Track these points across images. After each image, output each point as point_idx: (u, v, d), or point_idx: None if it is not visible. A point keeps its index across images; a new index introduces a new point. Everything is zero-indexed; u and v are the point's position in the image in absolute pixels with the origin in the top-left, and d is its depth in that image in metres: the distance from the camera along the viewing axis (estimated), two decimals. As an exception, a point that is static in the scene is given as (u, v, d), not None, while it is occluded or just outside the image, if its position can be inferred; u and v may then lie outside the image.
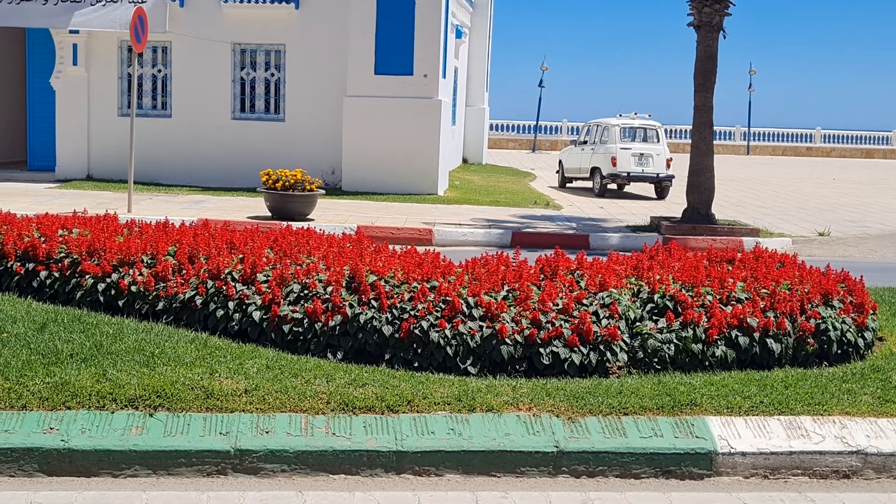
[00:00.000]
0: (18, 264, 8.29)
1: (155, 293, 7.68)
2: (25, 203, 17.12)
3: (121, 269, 7.95)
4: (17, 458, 5.60)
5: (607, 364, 7.01)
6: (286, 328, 7.14)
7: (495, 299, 7.23)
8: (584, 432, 6.04)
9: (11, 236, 8.51)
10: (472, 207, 20.05)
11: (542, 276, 8.05)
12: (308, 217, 16.87)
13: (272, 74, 22.40)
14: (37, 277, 8.19)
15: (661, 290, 7.72)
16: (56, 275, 8.13)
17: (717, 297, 7.65)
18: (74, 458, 5.63)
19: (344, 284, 7.38)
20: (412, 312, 7.04)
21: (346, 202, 19.72)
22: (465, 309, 7.10)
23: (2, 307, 7.59)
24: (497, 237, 16.00)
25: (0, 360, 6.35)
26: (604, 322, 7.18)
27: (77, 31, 21.95)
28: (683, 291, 7.70)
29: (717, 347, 7.16)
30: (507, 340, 6.90)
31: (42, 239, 8.47)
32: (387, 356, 6.98)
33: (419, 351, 6.93)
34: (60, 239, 8.48)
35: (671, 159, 25.13)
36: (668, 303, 7.57)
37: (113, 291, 7.82)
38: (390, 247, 8.90)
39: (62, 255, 8.24)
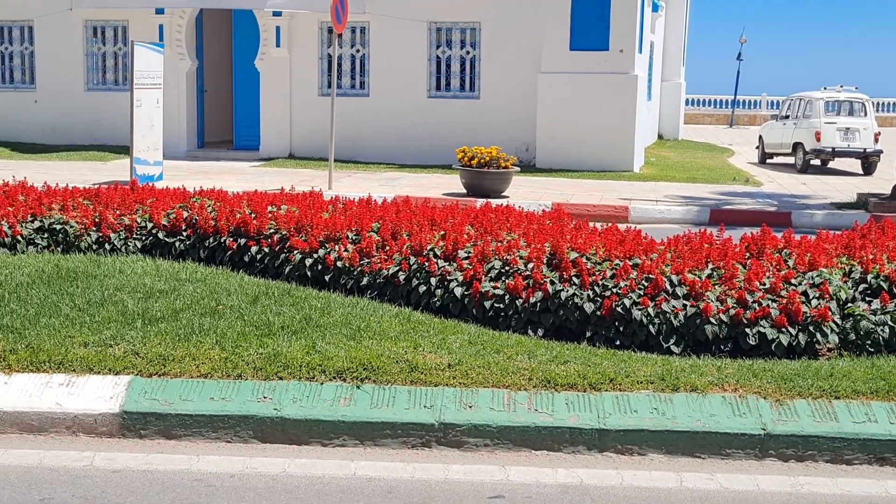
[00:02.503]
0: (231, 240, 8.64)
1: (360, 269, 7.87)
2: (232, 181, 17.81)
3: (327, 245, 8.18)
4: (234, 425, 5.85)
5: (816, 346, 6.78)
6: (487, 304, 7.20)
7: (700, 277, 7.10)
8: (792, 415, 5.86)
9: (224, 213, 8.87)
10: (668, 184, 19.72)
11: (747, 254, 7.84)
12: (503, 194, 16.94)
13: (467, 52, 22.55)
14: (248, 252, 8.52)
15: (874, 270, 7.41)
16: (266, 250, 8.44)
17: (936, 277, 7.29)
18: (286, 427, 5.83)
19: (545, 261, 7.38)
20: (614, 290, 6.99)
21: (540, 179, 19.71)
22: (669, 287, 6.99)
23: (217, 280, 7.93)
24: (695, 214, 15.69)
25: (217, 331, 6.64)
26: (813, 302, 6.94)
27: (280, 13, 22.64)
28: (899, 271, 7.37)
29: (936, 330, 6.83)
30: (712, 320, 6.76)
31: (253, 215, 8.79)
32: (588, 333, 6.96)
33: (621, 329, 6.87)
34: (270, 215, 8.79)
35: (879, 133, 24.06)
36: (882, 283, 7.26)
37: (320, 266, 8.06)
38: (589, 224, 8.85)
39: (272, 231, 8.54)
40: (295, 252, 8.20)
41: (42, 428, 5.87)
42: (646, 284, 7.02)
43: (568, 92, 21.31)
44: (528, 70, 21.90)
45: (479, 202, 11.44)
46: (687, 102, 46.77)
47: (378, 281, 7.77)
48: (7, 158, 21.41)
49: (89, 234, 8.98)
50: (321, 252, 8.10)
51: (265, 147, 23.15)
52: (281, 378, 6.10)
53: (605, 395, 6.00)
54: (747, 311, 6.79)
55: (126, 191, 9.96)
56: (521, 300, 7.12)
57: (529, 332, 7.03)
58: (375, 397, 5.97)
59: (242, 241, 8.59)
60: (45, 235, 8.98)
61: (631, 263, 7.27)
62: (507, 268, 7.43)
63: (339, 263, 7.96)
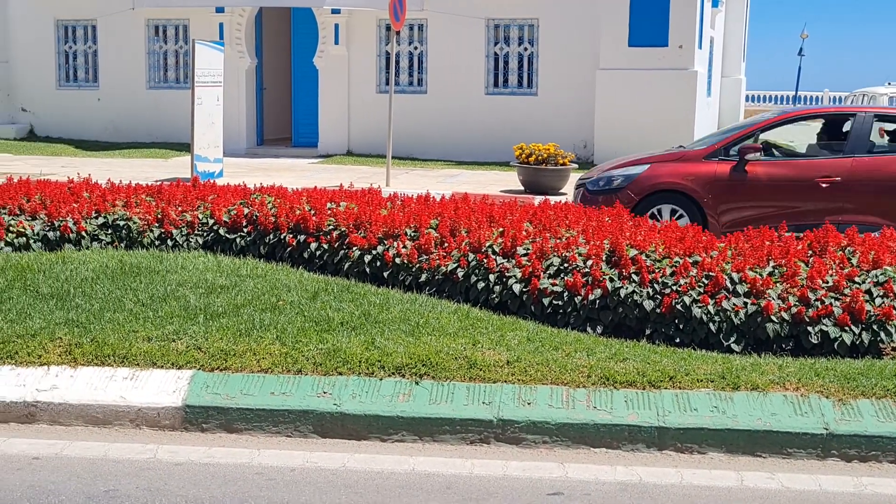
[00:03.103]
0: (291, 236, 8.71)
1: (418, 265, 7.90)
2: (291, 177, 17.94)
3: (386, 242, 8.21)
4: (294, 420, 5.90)
5: (880, 345, 6.68)
6: (546, 301, 7.19)
7: (761, 275, 7.03)
8: (855, 415, 5.79)
9: (284, 209, 8.94)
10: (727, 181, 19.49)
11: (809, 252, 7.75)
12: (560, 191, 16.90)
13: (525, 49, 22.51)
14: (307, 249, 8.58)
15: (940, 268, 7.28)
16: (325, 246, 8.50)
17: None
18: (346, 422, 5.87)
19: (604, 258, 7.36)
20: (674, 287, 6.95)
21: (598, 176, 19.60)
22: (729, 284, 6.93)
23: (277, 276, 8.00)
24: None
25: (277, 327, 6.70)
26: (877, 301, 6.85)
27: (339, 11, 22.76)
28: (965, 270, 7.24)
29: None
30: (773, 318, 6.70)
31: (312, 212, 8.86)
32: (647, 331, 6.93)
33: (681, 326, 6.83)
34: (329, 212, 8.85)
35: None
36: (948, 281, 7.14)
37: (378, 263, 8.10)
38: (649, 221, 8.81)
39: (331, 227, 8.60)
40: (354, 248, 8.25)
41: (107, 421, 5.97)
42: (706, 282, 6.97)
43: (626, 88, 21.20)
44: (586, 66, 21.81)
45: (537, 199, 11.42)
46: (747, 98, 46.23)
47: (436, 277, 7.79)
48: (71, 156, 21.77)
49: (152, 231, 9.10)
50: (380, 248, 8.14)
51: (323, 144, 23.30)
52: (340, 373, 6.14)
53: (664, 392, 5.97)
54: (809, 310, 6.72)
55: (188, 188, 10.08)
56: (579, 297, 7.11)
57: (588, 329, 7.01)
58: (434, 393, 5.99)
59: (302, 237, 8.65)
60: (109, 231, 9.12)
61: (691, 261, 7.22)
62: (565, 265, 7.42)
63: (397, 260, 7.99)
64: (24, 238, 8.84)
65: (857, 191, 11.14)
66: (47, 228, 8.97)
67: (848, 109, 13.55)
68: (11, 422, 6.00)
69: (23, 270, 7.88)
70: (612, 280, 7.11)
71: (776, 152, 12.07)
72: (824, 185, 11.10)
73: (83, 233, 8.99)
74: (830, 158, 11.48)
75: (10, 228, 8.86)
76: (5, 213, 9.04)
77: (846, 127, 11.91)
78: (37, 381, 6.12)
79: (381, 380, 6.09)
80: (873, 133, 11.81)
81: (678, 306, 6.85)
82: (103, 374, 6.18)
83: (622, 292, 7.02)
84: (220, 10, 23.21)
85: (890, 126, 12.79)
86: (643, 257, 7.27)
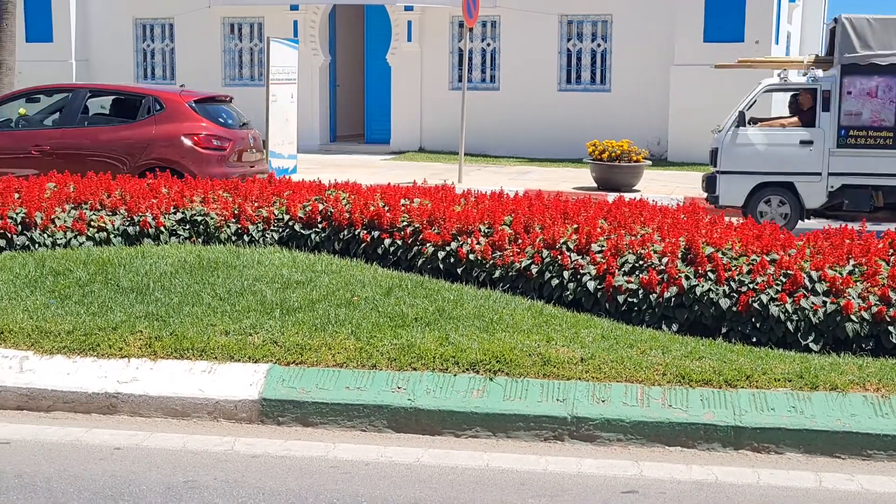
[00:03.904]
0: (365, 232, 8.76)
1: (492, 261, 7.90)
2: (364, 174, 18.03)
3: (459, 238, 8.23)
4: (368, 414, 5.95)
5: (964, 345, 6.54)
6: (620, 298, 7.16)
7: (840, 274, 6.92)
8: (938, 417, 5.68)
9: (358, 206, 9.00)
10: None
11: (891, 250, 7.61)
12: (634, 188, 16.80)
13: (598, 45, 22.40)
14: (381, 245, 8.63)
15: None
16: (399, 242, 8.54)
17: None
18: (420, 417, 5.91)
19: (679, 256, 7.30)
20: (751, 285, 6.87)
21: (672, 173, 19.46)
22: (808, 283, 6.83)
23: (351, 272, 8.06)
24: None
25: (352, 322, 6.75)
26: (961, 300, 6.70)
27: (411, 8, 22.84)
28: None
29: None
30: (853, 317, 6.59)
31: (386, 208, 8.91)
32: (723, 329, 6.85)
33: (758, 325, 6.75)
34: (403, 208, 8.89)
35: None
36: None
37: (452, 259, 8.12)
38: (725, 219, 8.72)
39: (405, 223, 8.63)
40: (428, 245, 8.28)
41: (185, 413, 6.07)
42: (784, 280, 6.88)
43: (701, 84, 20.95)
44: (660, 63, 21.62)
45: (610, 196, 11.37)
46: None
47: (510, 274, 7.79)
48: (148, 152, 22.10)
49: (229, 226, 9.22)
50: (453, 245, 8.16)
51: (396, 141, 23.40)
52: (415, 369, 6.17)
53: (741, 392, 5.91)
54: (890, 309, 6.59)
55: (263, 183, 10.19)
56: (654, 295, 7.06)
57: (663, 327, 6.96)
58: (508, 390, 6.00)
59: (376, 233, 8.71)
60: (187, 226, 9.26)
61: (768, 259, 7.13)
62: (640, 262, 7.37)
63: (471, 256, 8.01)
64: (105, 233, 9.01)
65: (66, 158, 13.00)
66: (127, 223, 9.14)
67: (65, 86, 15.87)
68: (93, 413, 6.13)
69: (104, 264, 8.03)
70: (687, 278, 7.05)
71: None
72: (36, 154, 13.27)
73: (162, 228, 9.14)
74: (45, 130, 13.76)
75: (92, 223, 9.03)
76: (87, 209, 9.23)
77: (66, 101, 13.99)
78: (118, 373, 6.24)
79: (455, 375, 6.11)
80: (91, 106, 14.31)
81: (755, 305, 6.77)
82: (182, 366, 6.28)
83: (698, 290, 6.96)
84: (294, 7, 23.44)
85: (104, 100, 14.82)
86: (719, 255, 7.20)
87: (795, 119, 13.75)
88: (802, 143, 13.30)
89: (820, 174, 13.24)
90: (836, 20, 13.42)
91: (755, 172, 13.43)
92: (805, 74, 14.95)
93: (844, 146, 13.16)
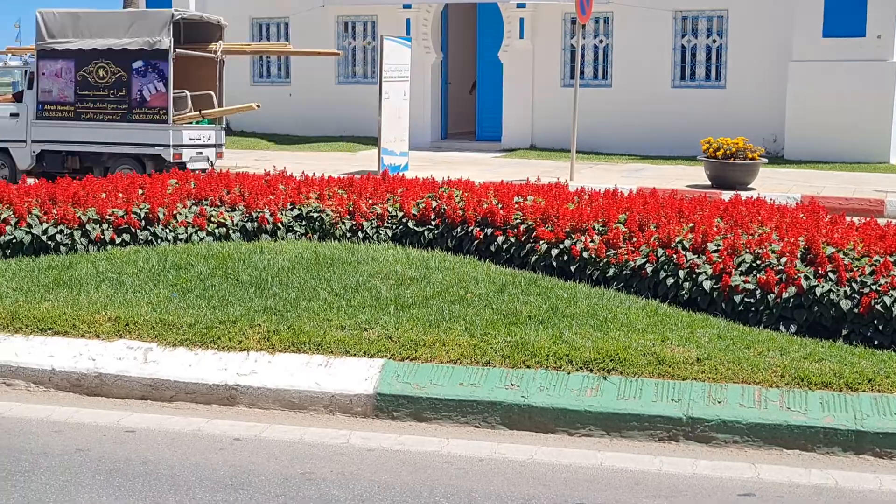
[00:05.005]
0: (478, 229, 8.80)
1: (605, 260, 7.87)
2: (475, 171, 18.07)
3: (573, 236, 8.21)
4: (482, 411, 5.97)
5: None
6: (737, 298, 7.06)
7: (969, 276, 6.71)
8: None
9: (472, 203, 9.05)
10: (928, 177, 18.66)
11: None
12: (749, 186, 16.49)
13: (713, 41, 22.04)
14: (494, 242, 8.66)
15: None
16: (512, 240, 8.55)
17: None
18: (533, 414, 5.91)
19: (798, 256, 7.16)
20: (873, 287, 6.70)
21: (788, 171, 19.07)
22: (934, 285, 6.64)
23: (465, 269, 8.11)
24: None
25: (466, 319, 6.79)
26: None
27: (524, 6, 22.80)
28: None
29: None
30: (982, 321, 6.39)
31: (499, 206, 8.93)
32: (843, 331, 6.70)
33: (880, 327, 6.59)
34: (516, 206, 8.90)
35: None
36: None
37: (565, 257, 8.11)
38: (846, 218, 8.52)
39: (518, 221, 8.65)
40: (541, 242, 8.28)
41: (302, 406, 6.18)
42: (908, 282, 6.69)
43: (820, 81, 20.46)
44: (777, 58, 21.17)
45: (725, 194, 11.20)
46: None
47: (624, 272, 7.75)
48: (264, 149, 22.55)
49: (343, 223, 9.35)
50: (567, 243, 8.14)
51: (507, 138, 23.38)
52: (528, 366, 6.18)
53: (862, 395, 5.78)
54: None
55: (378, 180, 10.31)
56: (772, 295, 6.94)
57: (781, 328, 6.84)
58: (622, 389, 5.96)
59: (489, 230, 8.74)
60: (303, 223, 9.42)
61: (892, 260, 6.95)
62: (758, 262, 7.25)
63: (584, 254, 7.98)
64: (224, 228, 9.23)
65: None
66: (246, 219, 9.34)
67: None
68: (214, 404, 6.29)
69: (224, 259, 8.23)
70: (807, 278, 6.91)
71: None
72: None
73: (279, 224, 9.32)
74: None
75: (212, 219, 9.26)
76: (207, 205, 9.45)
77: None
78: (237, 366, 6.39)
79: (568, 374, 6.10)
80: None
81: (878, 306, 6.61)
82: (299, 360, 6.40)
83: (818, 291, 6.82)
84: (407, 6, 23.59)
85: None
86: (840, 255, 7.04)
87: (10, 96, 17.52)
88: (12, 115, 16.69)
89: (25, 141, 16.63)
90: (38, 13, 16.60)
91: None
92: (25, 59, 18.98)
93: (42, 118, 16.57)
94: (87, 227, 8.85)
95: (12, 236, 8.66)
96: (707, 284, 7.22)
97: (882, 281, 6.71)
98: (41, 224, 8.78)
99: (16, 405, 6.28)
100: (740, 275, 7.21)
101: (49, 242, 8.71)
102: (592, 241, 8.05)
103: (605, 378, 6.05)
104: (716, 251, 7.48)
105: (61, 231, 8.77)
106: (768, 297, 6.96)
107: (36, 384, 6.56)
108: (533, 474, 5.29)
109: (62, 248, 8.70)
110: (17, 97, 17.05)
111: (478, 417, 5.98)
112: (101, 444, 5.64)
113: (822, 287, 6.82)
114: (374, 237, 9.27)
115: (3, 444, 5.60)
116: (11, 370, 6.60)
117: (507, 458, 5.51)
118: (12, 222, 8.75)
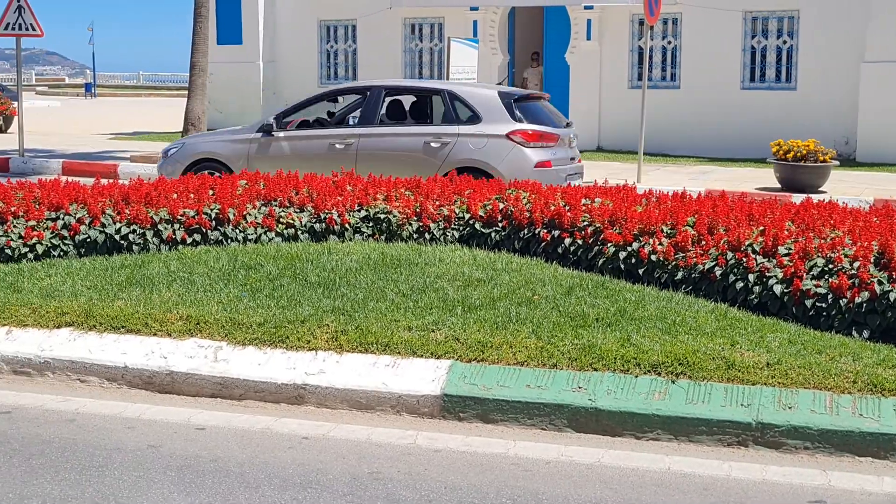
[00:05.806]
0: (545, 231, 8.79)
1: (674, 263, 7.81)
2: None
3: (641, 239, 8.16)
4: (549, 413, 5.96)
5: None
6: (808, 303, 6.96)
7: None
8: None
9: (539, 205, 9.03)
10: None
11: None
12: (820, 189, 16.28)
13: (784, 42, 21.80)
14: (561, 244, 8.63)
15: None
16: (579, 242, 8.52)
17: None
18: (600, 418, 5.89)
19: (872, 260, 7.05)
20: (949, 292, 6.58)
21: (860, 174, 18.78)
22: None
23: (531, 271, 8.10)
24: None
25: (533, 321, 6.78)
26: None
27: (591, 7, 22.73)
28: None
29: None
30: None
31: (567, 208, 8.90)
32: (919, 337, 6.59)
33: (956, 334, 6.47)
34: (583, 208, 8.87)
35: None
36: None
37: (633, 259, 8.06)
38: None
39: (585, 223, 8.61)
40: (608, 245, 8.24)
41: (369, 406, 6.22)
42: None
43: (894, 82, 20.13)
44: (849, 59, 20.88)
45: (796, 197, 11.06)
46: None
47: (693, 276, 7.68)
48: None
49: (410, 224, 9.39)
50: (635, 245, 8.09)
51: (574, 140, 23.31)
52: (595, 369, 6.16)
53: (938, 403, 5.67)
54: None
55: (445, 182, 10.32)
56: (845, 300, 6.84)
57: (853, 333, 6.73)
58: (691, 393, 5.92)
59: (556, 232, 8.71)
60: (370, 224, 9.47)
61: (969, 265, 6.82)
62: (830, 266, 7.15)
63: (653, 257, 7.93)
64: (293, 229, 9.31)
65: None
66: (314, 220, 9.42)
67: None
68: (282, 402, 6.35)
69: (292, 259, 8.31)
70: (880, 283, 6.80)
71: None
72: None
73: (346, 225, 9.38)
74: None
75: (281, 220, 9.35)
76: (276, 205, 9.55)
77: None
78: (306, 365, 6.44)
79: (636, 377, 6.07)
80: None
81: (953, 312, 6.48)
82: (367, 360, 6.43)
83: (892, 296, 6.70)
84: (474, 8, 23.66)
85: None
86: (915, 260, 6.92)
87: None
88: None
89: None
90: None
91: None
92: None
93: None
94: (160, 226, 8.98)
95: (86, 235, 8.82)
96: (777, 288, 7.13)
97: (959, 286, 6.58)
98: (114, 224, 8.93)
99: (90, 401, 6.40)
100: (812, 279, 7.11)
101: (122, 242, 8.86)
102: (661, 243, 7.99)
103: (673, 382, 6.00)
104: (787, 255, 7.39)
105: (134, 231, 8.91)
106: (840, 301, 6.85)
107: (109, 381, 6.68)
108: (600, 477, 5.28)
109: (135, 248, 8.84)
110: None
111: (544, 420, 5.97)
112: (173, 440, 5.73)
113: (896, 292, 6.71)
114: (441, 238, 9.29)
115: (78, 439, 5.72)
116: (86, 367, 6.74)
117: (573, 461, 5.50)
118: (87, 222, 8.91)
